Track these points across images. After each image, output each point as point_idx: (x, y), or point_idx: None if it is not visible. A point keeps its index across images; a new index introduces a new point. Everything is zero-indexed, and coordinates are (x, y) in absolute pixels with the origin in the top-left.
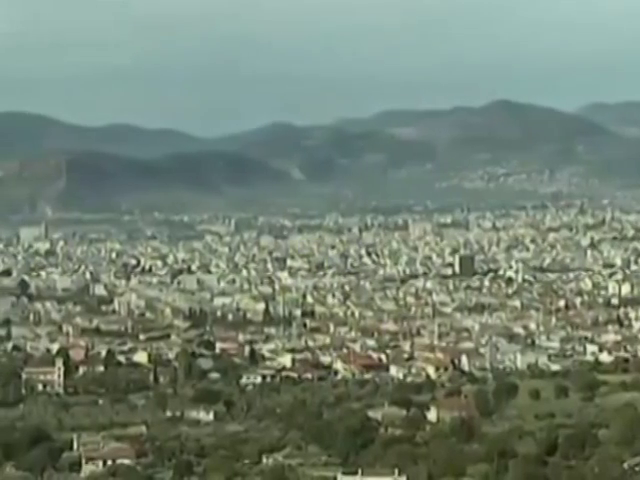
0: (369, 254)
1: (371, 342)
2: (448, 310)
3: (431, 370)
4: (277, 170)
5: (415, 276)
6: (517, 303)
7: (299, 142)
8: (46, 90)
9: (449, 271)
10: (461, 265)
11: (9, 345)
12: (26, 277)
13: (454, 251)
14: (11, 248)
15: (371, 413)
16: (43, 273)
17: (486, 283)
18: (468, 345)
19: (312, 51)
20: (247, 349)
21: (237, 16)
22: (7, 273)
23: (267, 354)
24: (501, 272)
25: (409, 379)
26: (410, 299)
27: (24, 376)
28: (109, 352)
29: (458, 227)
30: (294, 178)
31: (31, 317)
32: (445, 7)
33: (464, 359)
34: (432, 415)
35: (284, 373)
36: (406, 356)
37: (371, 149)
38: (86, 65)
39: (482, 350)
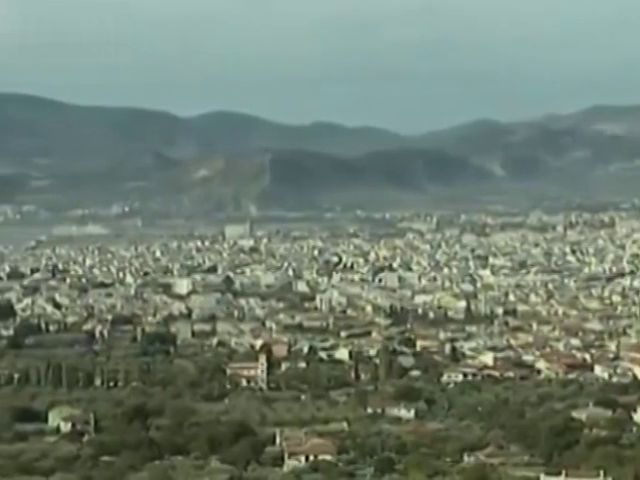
0: (574, 252)
1: (575, 341)
2: None
3: (638, 370)
4: (479, 167)
5: (622, 274)
6: None
7: (502, 139)
8: (252, 90)
9: None
10: None
11: (214, 340)
12: (231, 274)
13: None
14: (217, 245)
15: (575, 413)
16: (247, 270)
17: None
18: None
19: (516, 48)
20: (448, 347)
21: (441, 14)
22: (213, 270)
23: (468, 352)
24: None
25: (614, 379)
26: (616, 298)
27: (228, 371)
28: (311, 348)
29: None
30: (496, 175)
31: (235, 313)
32: None
33: None
34: (638, 416)
35: (485, 371)
36: (611, 356)
37: (577, 145)
38: (289, 66)
39: None
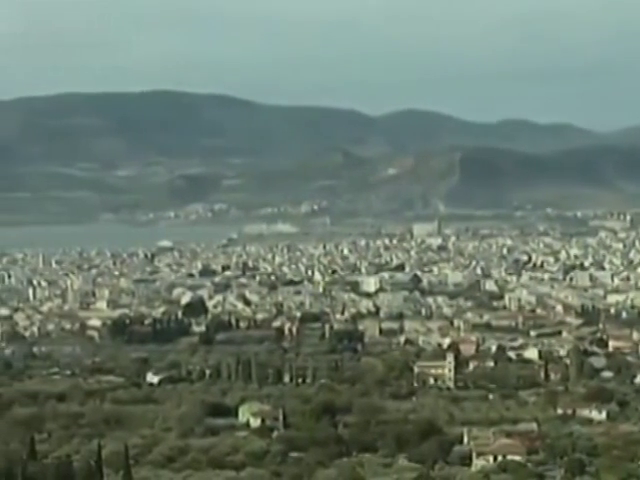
0: None
1: None
2: None
3: None
4: None
5: None
6: None
7: None
8: (441, 88)
9: None
10: None
11: (402, 338)
12: (419, 272)
13: None
14: (405, 243)
15: None
16: (435, 268)
17: None
18: None
19: None
20: None
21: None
22: (401, 268)
23: None
24: None
25: None
26: None
27: (416, 369)
28: (499, 348)
29: None
30: None
31: (423, 311)
32: None
33: None
34: None
35: None
36: None
37: None
38: (479, 64)
39: None
